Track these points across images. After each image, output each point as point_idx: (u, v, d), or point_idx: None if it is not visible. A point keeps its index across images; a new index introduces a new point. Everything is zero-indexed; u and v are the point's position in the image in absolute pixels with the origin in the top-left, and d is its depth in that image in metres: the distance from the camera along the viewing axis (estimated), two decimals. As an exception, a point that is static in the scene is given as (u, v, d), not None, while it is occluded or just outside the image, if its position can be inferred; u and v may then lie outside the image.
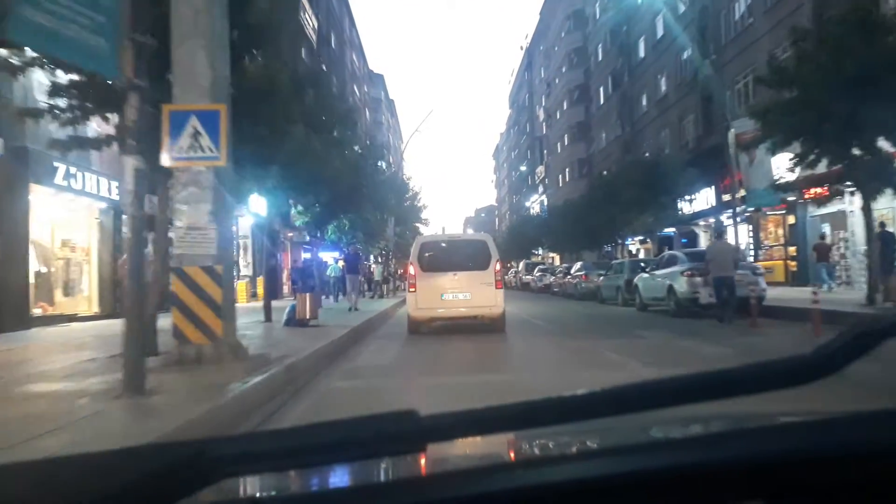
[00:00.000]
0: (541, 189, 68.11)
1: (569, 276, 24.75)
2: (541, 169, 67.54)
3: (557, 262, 59.06)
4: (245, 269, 25.60)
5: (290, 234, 28.99)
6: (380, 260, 39.49)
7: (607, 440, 1.02)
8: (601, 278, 20.68)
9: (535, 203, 66.68)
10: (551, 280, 29.66)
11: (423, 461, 0.86)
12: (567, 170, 55.44)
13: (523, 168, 72.37)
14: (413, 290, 11.17)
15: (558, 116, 58.52)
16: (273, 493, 0.82)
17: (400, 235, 34.96)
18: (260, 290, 27.05)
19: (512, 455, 1.08)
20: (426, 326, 11.56)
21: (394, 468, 0.87)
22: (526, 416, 0.59)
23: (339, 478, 0.82)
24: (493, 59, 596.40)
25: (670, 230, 30.00)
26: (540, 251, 55.44)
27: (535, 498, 0.56)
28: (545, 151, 65.99)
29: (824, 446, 0.58)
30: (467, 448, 1.05)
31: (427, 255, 11.45)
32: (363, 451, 0.59)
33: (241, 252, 25.69)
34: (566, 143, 55.31)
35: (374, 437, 0.56)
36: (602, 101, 43.99)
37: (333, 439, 0.56)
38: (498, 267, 11.22)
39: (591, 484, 0.57)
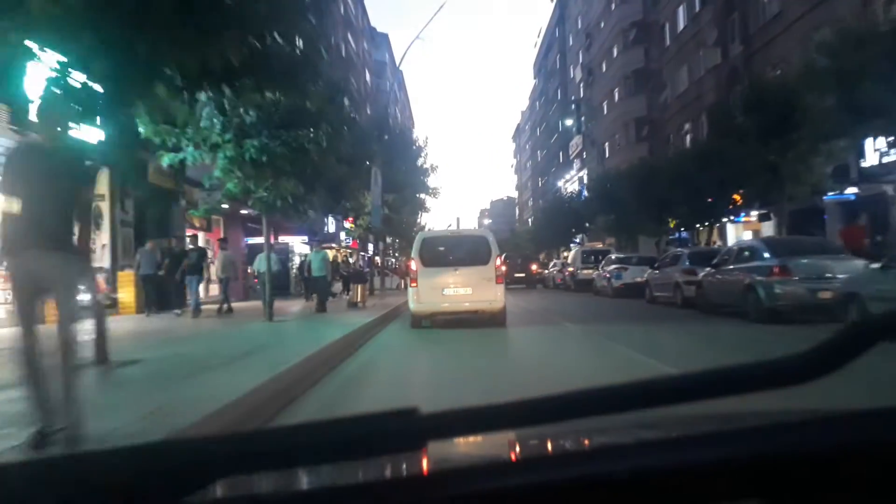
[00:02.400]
0: (577, 164, 55.82)
1: (716, 273, 12.39)
2: (577, 140, 55.23)
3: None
4: (98, 255, 13.81)
5: (198, 197, 16.94)
6: (361, 256, 27.86)
7: (607, 439, 1.02)
8: (868, 277, 8.49)
9: (572, 181, 54.32)
10: (648, 277, 17.34)
11: (423, 459, 0.85)
12: (617, 135, 43.15)
13: (568, 122, 58.96)
14: (414, 285, 11.14)
15: (604, 69, 46.18)
16: (273, 492, 0.79)
17: (394, 208, 22.92)
18: (128, 296, 15.21)
19: (512, 453, 1.07)
20: (429, 319, 11.33)
21: (395, 466, 0.87)
22: (526, 414, 0.58)
23: (340, 476, 0.81)
24: (514, 33, 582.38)
25: (851, 192, 17.74)
26: (580, 238, 43.28)
27: (536, 496, 0.56)
28: (583, 119, 53.67)
29: (824, 446, 0.57)
30: (468, 446, 1.05)
31: (428, 250, 11.40)
32: (364, 450, 0.58)
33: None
34: (617, 100, 42.95)
35: (374, 435, 0.56)
36: (681, 28, 31.58)
37: (334, 437, 0.56)
38: (498, 262, 11.14)
39: (591, 482, 0.57)
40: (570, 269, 26.73)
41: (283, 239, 26.73)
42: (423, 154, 25.21)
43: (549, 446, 1.08)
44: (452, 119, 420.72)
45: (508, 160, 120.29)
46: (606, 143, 46.15)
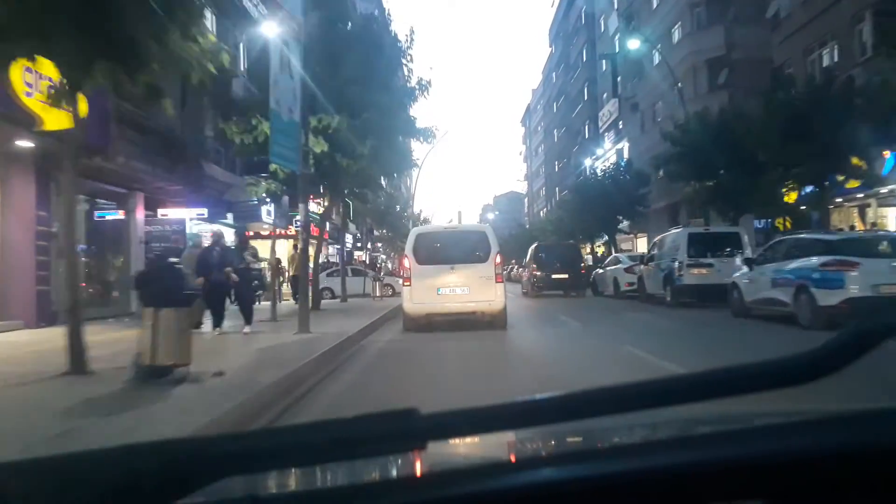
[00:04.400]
0: (610, 137, 44.81)
1: None
2: (610, 107, 44.26)
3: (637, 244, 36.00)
4: None
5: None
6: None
7: (607, 440, 1.01)
8: None
9: (607, 156, 43.07)
10: None
11: (423, 460, 0.84)
12: (678, 87, 32.11)
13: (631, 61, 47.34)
14: (408, 284, 10.43)
15: (655, 4, 35.24)
16: (273, 491, 0.79)
17: (342, 146, 11.95)
18: None
19: (512, 454, 1.06)
20: (425, 321, 10.46)
21: (394, 466, 0.86)
22: (526, 415, 0.59)
23: (340, 476, 0.81)
24: (523, 11, 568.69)
25: None
26: (624, 225, 32.40)
27: (535, 496, 0.56)
28: (619, 78, 42.64)
29: (824, 446, 0.57)
30: (467, 447, 1.04)
31: (423, 247, 10.61)
32: (364, 450, 0.58)
33: None
34: (679, 40, 32.03)
35: (374, 435, 0.56)
36: None
37: (334, 437, 0.56)
38: (498, 259, 10.44)
39: (591, 483, 0.57)
40: (657, 264, 15.65)
41: (169, 214, 15.73)
42: (405, 59, 14.16)
43: (549, 447, 1.06)
44: (453, 110, 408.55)
45: (515, 150, 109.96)
46: (659, 103, 35.16)
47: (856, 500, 0.58)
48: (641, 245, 37.70)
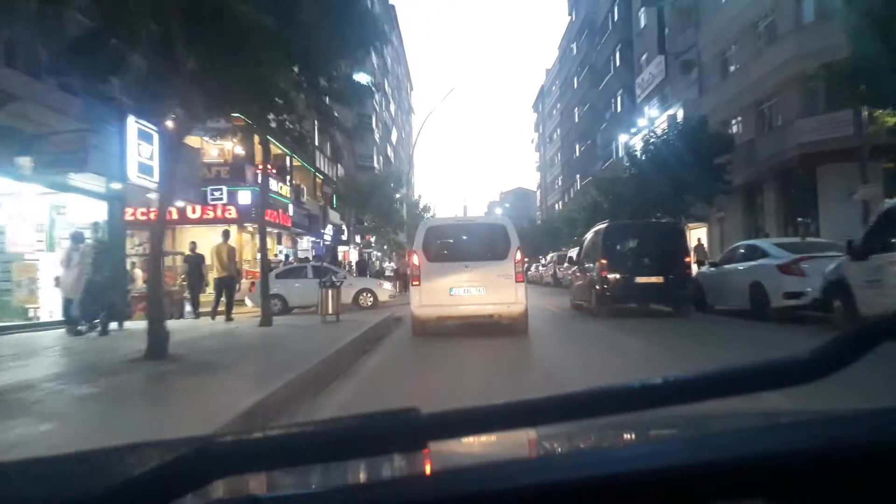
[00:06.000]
0: (654, 104, 36.40)
1: None
2: (653, 69, 35.91)
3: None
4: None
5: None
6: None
7: (608, 439, 1.01)
8: None
9: (656, 125, 34.60)
10: None
11: (424, 459, 0.84)
12: (767, 21, 23.79)
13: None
14: (417, 283, 9.45)
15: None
16: (274, 491, 0.79)
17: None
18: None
19: (513, 453, 1.05)
20: (435, 324, 9.75)
21: (395, 466, 0.86)
22: (527, 415, 0.59)
23: (341, 476, 0.81)
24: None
25: None
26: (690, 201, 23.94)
27: (537, 496, 0.56)
28: (666, 30, 34.37)
29: (824, 446, 0.58)
30: (469, 446, 1.03)
31: (433, 241, 9.72)
32: (365, 449, 0.58)
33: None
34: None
35: (375, 434, 0.56)
36: None
37: (335, 437, 0.56)
38: (519, 256, 9.36)
39: (592, 482, 0.57)
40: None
41: None
42: None
43: (550, 447, 1.05)
44: (456, 105, 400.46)
45: (521, 147, 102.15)
46: (732, 48, 26.77)
47: (855, 499, 0.57)
48: (694, 239, 29.26)
